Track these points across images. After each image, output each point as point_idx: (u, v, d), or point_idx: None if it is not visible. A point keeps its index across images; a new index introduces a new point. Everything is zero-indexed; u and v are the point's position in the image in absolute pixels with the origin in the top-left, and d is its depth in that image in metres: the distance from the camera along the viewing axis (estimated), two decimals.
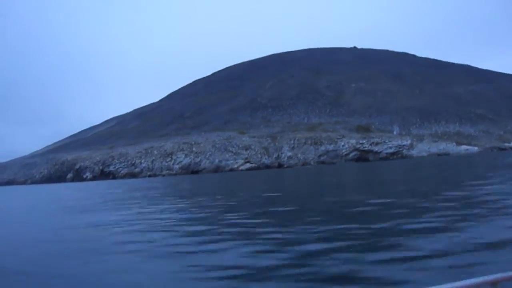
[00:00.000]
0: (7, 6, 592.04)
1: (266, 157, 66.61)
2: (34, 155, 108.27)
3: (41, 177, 72.04)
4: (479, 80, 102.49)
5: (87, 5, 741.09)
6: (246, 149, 67.90)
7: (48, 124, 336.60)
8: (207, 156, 67.90)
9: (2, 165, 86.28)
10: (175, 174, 64.95)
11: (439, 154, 64.52)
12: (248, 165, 62.12)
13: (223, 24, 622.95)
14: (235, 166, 62.92)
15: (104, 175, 68.73)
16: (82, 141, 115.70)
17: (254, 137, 73.75)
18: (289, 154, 65.73)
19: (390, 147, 66.76)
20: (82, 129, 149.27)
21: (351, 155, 66.55)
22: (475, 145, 72.20)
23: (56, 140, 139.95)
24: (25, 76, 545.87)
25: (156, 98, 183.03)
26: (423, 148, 66.89)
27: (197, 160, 67.77)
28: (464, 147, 68.40)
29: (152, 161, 68.59)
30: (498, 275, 1.59)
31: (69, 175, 69.56)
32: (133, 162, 69.13)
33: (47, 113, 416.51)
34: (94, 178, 67.62)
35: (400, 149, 66.61)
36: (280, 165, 63.60)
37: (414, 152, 65.89)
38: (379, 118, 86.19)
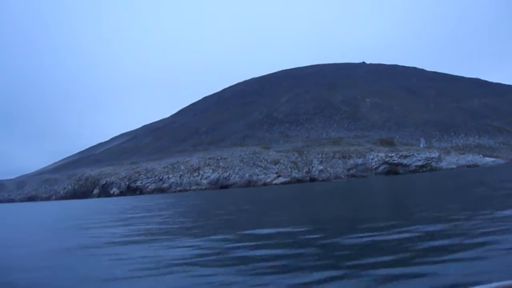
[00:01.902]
0: (7, 15, 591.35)
1: (296, 171, 66.45)
2: (45, 171, 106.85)
3: (65, 192, 71.01)
4: (491, 93, 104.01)
5: (92, 16, 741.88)
6: (275, 164, 67.73)
7: (51, 140, 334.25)
8: (236, 170, 67.55)
9: (19, 180, 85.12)
10: (205, 189, 64.40)
11: (468, 166, 64.87)
12: (282, 179, 61.82)
13: (228, 41, 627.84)
14: (268, 180, 62.59)
15: (131, 190, 67.95)
16: (93, 157, 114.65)
17: (280, 151, 73.74)
18: (320, 167, 65.67)
19: (419, 160, 67.04)
20: (88, 145, 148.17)
21: (380, 168, 66.64)
22: (497, 157, 72.89)
23: (64, 157, 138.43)
24: (26, 92, 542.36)
25: (163, 115, 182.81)
26: (452, 160, 67.22)
27: (226, 175, 67.35)
28: (490, 158, 68.97)
29: (180, 176, 68.04)
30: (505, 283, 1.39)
31: (96, 191, 68.63)
32: (160, 177, 68.48)
33: (48, 129, 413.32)
34: (121, 194, 66.84)
35: (429, 162, 66.90)
36: (312, 179, 63.40)
37: (443, 164, 66.17)
38: (399, 132, 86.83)
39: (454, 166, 65.62)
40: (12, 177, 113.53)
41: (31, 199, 72.80)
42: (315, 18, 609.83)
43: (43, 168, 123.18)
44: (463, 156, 68.76)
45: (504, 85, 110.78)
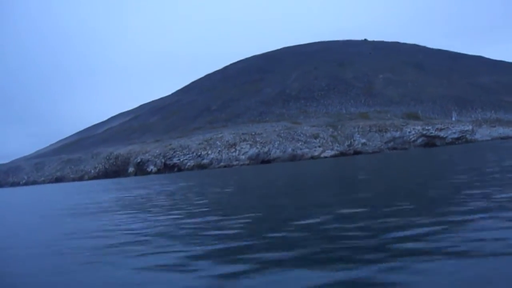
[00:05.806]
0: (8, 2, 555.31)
1: (337, 144, 66.40)
2: (47, 153, 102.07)
3: (97, 172, 68.16)
4: (498, 70, 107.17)
5: None
6: (315, 138, 67.37)
7: (40, 123, 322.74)
8: (275, 145, 66.71)
9: (35, 162, 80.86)
10: (248, 164, 63.46)
11: (502, 138, 66.90)
12: (330, 152, 61.63)
13: (226, 18, 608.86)
14: (316, 153, 62.25)
15: (168, 168, 66.03)
16: (97, 136, 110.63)
17: (313, 126, 73.31)
18: (363, 141, 65.91)
19: (454, 133, 68.42)
20: (72, 127, 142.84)
21: (418, 141, 67.64)
22: None
23: (60, 138, 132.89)
24: (23, 73, 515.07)
25: (159, 94, 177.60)
26: (485, 133, 69.19)
27: (266, 149, 66.44)
28: None
29: (219, 152, 66.58)
30: None
31: (131, 169, 66.21)
32: (198, 153, 66.74)
33: (34, 112, 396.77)
34: (158, 172, 64.88)
35: (464, 134, 68.45)
36: (356, 152, 63.55)
37: (477, 137, 67.95)
38: (418, 107, 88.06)
39: (488, 138, 67.59)
40: (7, 161, 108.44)
41: (58, 180, 69.33)
42: None
43: (43, 149, 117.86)
44: (494, 128, 70.85)
45: (508, 62, 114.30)
